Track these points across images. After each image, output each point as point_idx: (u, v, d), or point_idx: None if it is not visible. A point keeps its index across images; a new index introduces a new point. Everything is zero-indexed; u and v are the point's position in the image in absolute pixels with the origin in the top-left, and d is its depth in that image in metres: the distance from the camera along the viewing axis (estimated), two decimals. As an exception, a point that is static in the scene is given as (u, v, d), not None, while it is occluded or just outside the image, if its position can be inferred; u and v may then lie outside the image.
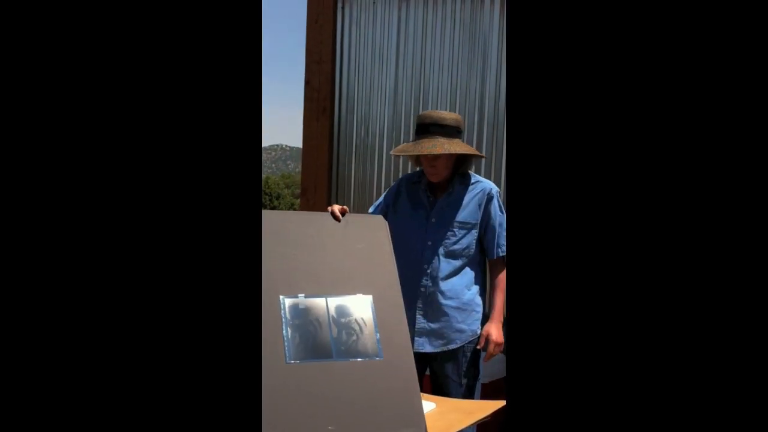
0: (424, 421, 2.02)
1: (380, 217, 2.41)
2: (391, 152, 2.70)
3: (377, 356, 2.09)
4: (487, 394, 3.32)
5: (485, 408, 2.33)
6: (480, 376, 2.75)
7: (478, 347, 2.65)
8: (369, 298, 2.18)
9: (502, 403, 2.36)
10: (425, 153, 2.47)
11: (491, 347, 2.63)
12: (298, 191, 4.88)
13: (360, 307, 2.17)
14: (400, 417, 2.00)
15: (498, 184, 4.03)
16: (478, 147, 4.10)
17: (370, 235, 2.34)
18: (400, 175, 4.45)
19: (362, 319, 2.14)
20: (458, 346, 2.64)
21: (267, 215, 2.30)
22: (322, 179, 4.59)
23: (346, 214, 2.37)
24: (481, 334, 2.65)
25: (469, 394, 2.67)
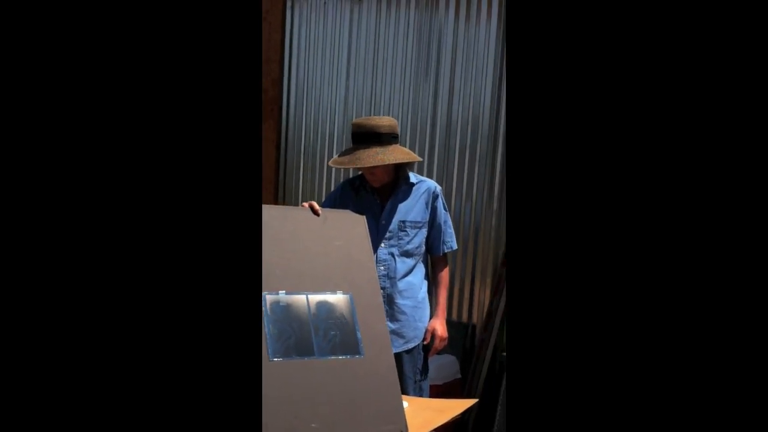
0: (405, 419, 2.03)
1: (358, 215, 2.41)
2: (330, 163, 2.70)
3: (358, 354, 2.09)
4: (441, 394, 3.36)
5: (456, 406, 2.36)
6: (427, 375, 2.77)
7: (424, 342, 2.70)
8: (349, 297, 2.18)
9: (470, 402, 2.40)
10: (359, 166, 2.52)
11: (437, 342, 2.69)
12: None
13: (340, 305, 2.16)
14: (381, 414, 2.01)
15: (448, 186, 4.09)
16: (431, 152, 4.16)
17: (349, 232, 2.34)
18: (341, 176, 4.46)
19: (343, 317, 2.14)
20: (415, 344, 2.66)
21: (246, 210, 2.26)
22: (268, 183, 4.54)
23: (325, 210, 2.37)
24: (426, 329, 2.70)
25: (421, 393, 2.69)
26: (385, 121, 2.57)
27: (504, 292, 4.06)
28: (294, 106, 4.60)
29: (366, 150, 2.50)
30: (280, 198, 4.60)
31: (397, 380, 2.11)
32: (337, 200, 2.67)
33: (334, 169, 4.48)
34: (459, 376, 3.92)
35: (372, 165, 2.48)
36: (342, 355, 2.07)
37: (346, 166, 2.55)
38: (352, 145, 2.60)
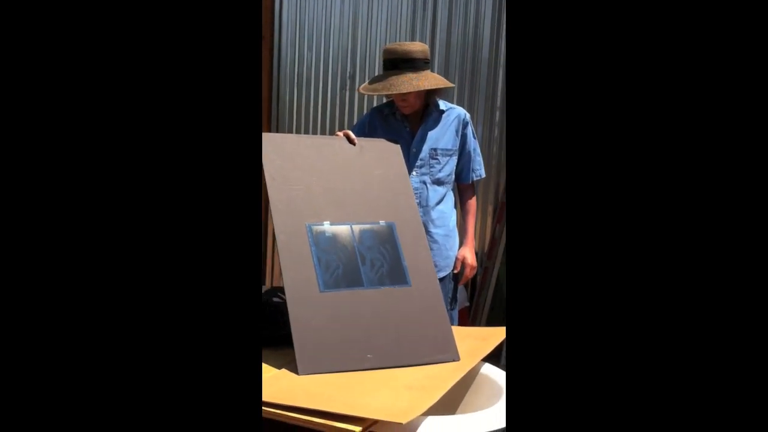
0: (456, 347, 2.01)
1: (393, 144, 2.35)
2: (360, 89, 2.60)
3: (406, 283, 2.05)
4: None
5: (495, 334, 2.34)
6: (457, 304, 2.77)
7: (455, 271, 2.68)
8: (393, 225, 2.13)
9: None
10: (394, 92, 2.44)
11: (467, 270, 2.69)
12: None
13: (384, 234, 2.11)
14: (433, 343, 1.99)
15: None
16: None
17: (387, 161, 2.28)
18: (337, 107, 4.37)
19: (388, 246, 2.09)
20: (446, 273, 2.64)
21: (281, 138, 2.20)
22: (262, 110, 4.42)
23: (360, 139, 2.29)
24: (456, 258, 2.68)
25: (452, 321, 2.69)
26: (417, 47, 2.48)
27: (506, 220, 4.06)
28: (287, 33, 4.44)
29: (399, 76, 2.42)
30: (273, 125, 4.48)
31: (444, 308, 2.09)
32: (366, 129, 2.59)
33: (329, 101, 4.37)
34: (467, 303, 3.95)
35: (407, 91, 2.40)
36: (390, 284, 2.03)
37: (380, 93, 2.46)
38: (383, 71, 2.51)
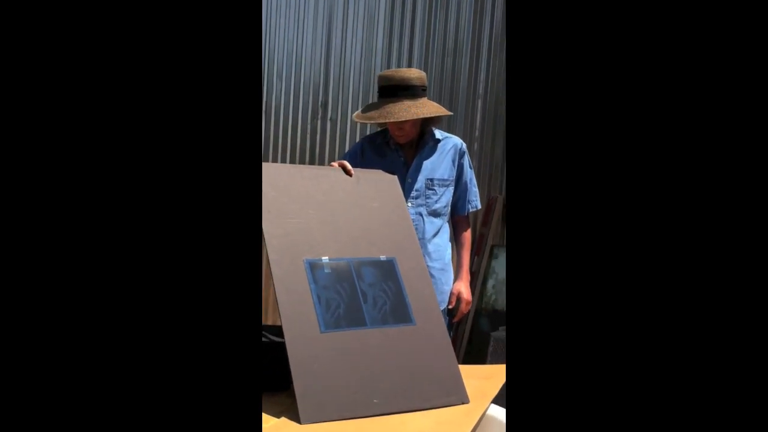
0: (464, 388, 1.90)
1: (389, 174, 2.24)
2: (354, 117, 2.49)
3: (410, 322, 1.94)
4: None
5: (498, 372, 2.24)
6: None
7: (450, 306, 2.58)
8: (393, 261, 2.02)
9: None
10: (392, 120, 2.33)
11: (463, 305, 2.59)
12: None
13: (386, 270, 1.99)
14: (441, 385, 1.87)
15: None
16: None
17: (384, 194, 2.17)
18: (308, 137, 4.25)
19: (389, 282, 1.98)
20: (441, 309, 2.53)
21: (276, 168, 2.07)
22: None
23: (356, 170, 2.18)
24: (451, 292, 2.58)
25: None
26: (414, 73, 2.39)
27: (484, 253, 3.98)
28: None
29: (396, 103, 2.32)
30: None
31: (451, 346, 1.98)
32: (358, 158, 2.48)
33: (300, 131, 4.25)
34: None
35: (405, 119, 2.30)
36: (393, 324, 1.91)
37: (377, 121, 2.35)
38: (378, 98, 2.41)
